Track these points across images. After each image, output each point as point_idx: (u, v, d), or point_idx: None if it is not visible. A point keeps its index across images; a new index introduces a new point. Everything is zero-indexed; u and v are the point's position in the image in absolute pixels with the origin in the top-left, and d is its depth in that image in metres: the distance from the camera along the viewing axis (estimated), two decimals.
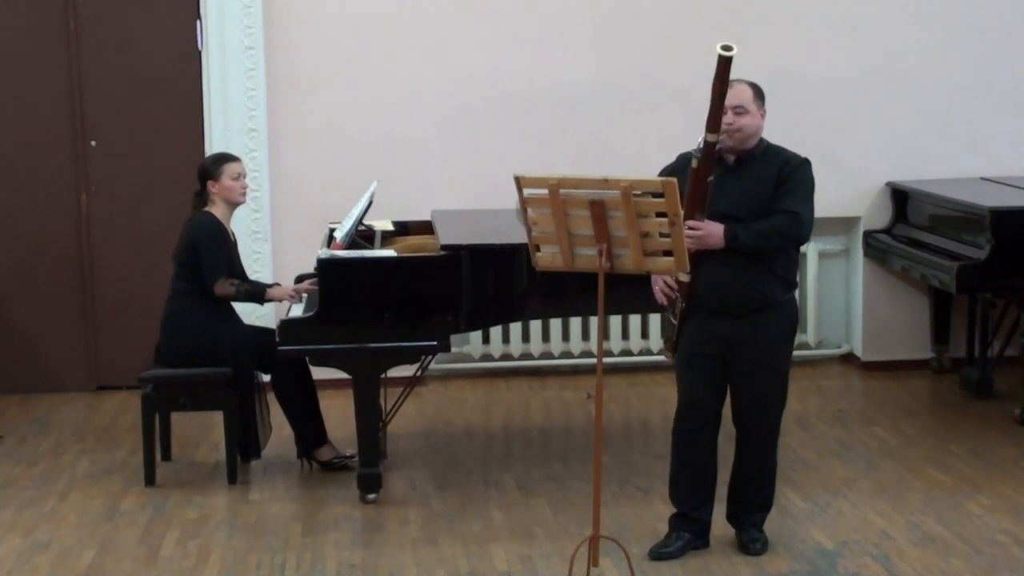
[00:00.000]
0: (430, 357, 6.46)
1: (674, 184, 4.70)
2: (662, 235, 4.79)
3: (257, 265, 7.40)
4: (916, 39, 7.84)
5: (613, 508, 5.82)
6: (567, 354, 8.00)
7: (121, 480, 6.30)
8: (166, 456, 6.53)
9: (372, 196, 6.41)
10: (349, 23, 7.52)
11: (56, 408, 7.43)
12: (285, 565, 5.35)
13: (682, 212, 4.75)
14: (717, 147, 5.03)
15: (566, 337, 7.96)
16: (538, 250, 5.02)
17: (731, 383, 5.29)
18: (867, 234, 7.89)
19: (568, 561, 5.02)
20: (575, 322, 7.93)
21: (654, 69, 7.69)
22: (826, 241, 8.04)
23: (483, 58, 7.60)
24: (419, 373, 6.68)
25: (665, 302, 5.27)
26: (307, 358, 6.12)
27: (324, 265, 5.86)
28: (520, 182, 4.85)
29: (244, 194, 6.35)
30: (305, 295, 6.33)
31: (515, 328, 7.87)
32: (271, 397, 6.47)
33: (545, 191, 4.82)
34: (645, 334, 8.00)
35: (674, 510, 5.41)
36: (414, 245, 6.35)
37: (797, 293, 5.53)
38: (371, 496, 5.97)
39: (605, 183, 4.75)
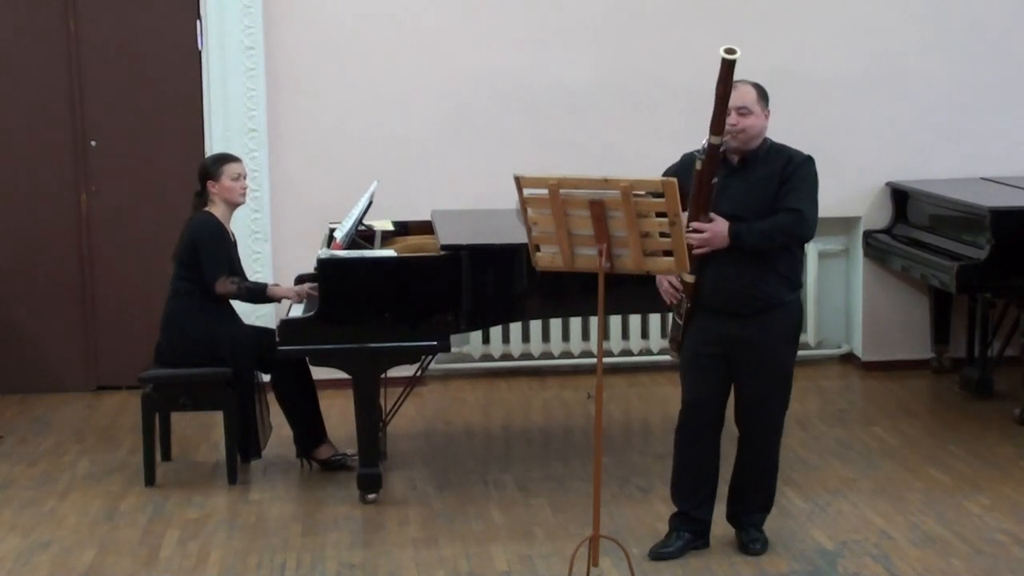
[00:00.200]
0: (430, 357, 6.46)
1: (674, 184, 4.70)
2: (662, 235, 4.79)
3: (257, 265, 7.40)
4: (916, 39, 7.83)
5: (613, 508, 5.82)
6: (567, 354, 8.00)
7: (121, 480, 6.30)
8: (166, 456, 6.53)
9: (372, 196, 6.41)
10: (349, 23, 7.52)
11: (56, 408, 7.43)
12: (285, 565, 5.35)
13: (682, 212, 4.75)
14: (721, 149, 5.03)
15: (566, 337, 7.96)
16: (538, 250, 5.02)
17: (735, 383, 5.29)
18: (867, 234, 7.89)
19: (568, 561, 5.01)
20: (575, 322, 7.93)
21: (654, 69, 7.68)
22: (826, 241, 8.04)
23: (483, 58, 7.60)
24: (419, 373, 6.68)
25: (671, 301, 5.28)
26: (307, 358, 6.11)
27: (324, 265, 5.86)
28: (520, 182, 4.85)
29: (244, 194, 6.35)
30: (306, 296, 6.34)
31: (515, 328, 7.87)
32: (271, 397, 6.47)
33: (545, 191, 4.82)
34: (645, 334, 8.00)
35: (674, 509, 5.41)
36: (414, 245, 6.35)
37: None
38: (371, 496, 5.96)
39: (605, 183, 4.75)
